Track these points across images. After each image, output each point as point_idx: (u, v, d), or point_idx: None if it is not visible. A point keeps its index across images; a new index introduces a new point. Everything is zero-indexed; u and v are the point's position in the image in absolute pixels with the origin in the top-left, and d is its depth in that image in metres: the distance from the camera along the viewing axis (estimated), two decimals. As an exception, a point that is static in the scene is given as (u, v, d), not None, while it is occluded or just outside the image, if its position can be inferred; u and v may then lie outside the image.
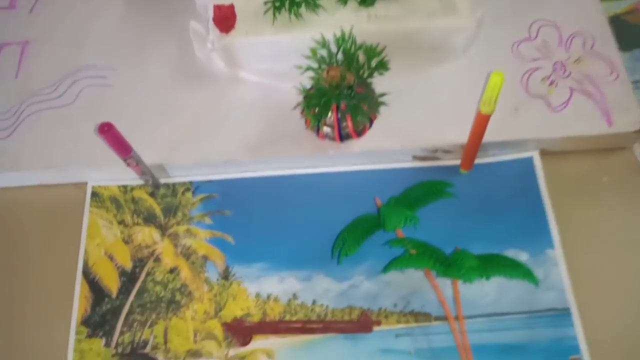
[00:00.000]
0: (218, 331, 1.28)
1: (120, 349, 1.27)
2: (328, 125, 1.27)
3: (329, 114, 1.19)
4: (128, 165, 1.21)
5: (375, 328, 1.28)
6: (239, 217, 1.35)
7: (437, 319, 1.28)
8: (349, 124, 1.25)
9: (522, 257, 1.28)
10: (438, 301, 1.27)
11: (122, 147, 1.13)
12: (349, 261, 1.31)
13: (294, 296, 1.30)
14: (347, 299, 1.28)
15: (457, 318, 1.23)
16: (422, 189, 1.35)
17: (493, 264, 1.26)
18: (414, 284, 1.30)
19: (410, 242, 1.28)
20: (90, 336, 1.27)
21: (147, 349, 1.27)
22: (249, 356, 1.26)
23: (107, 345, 1.26)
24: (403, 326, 1.28)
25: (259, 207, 1.36)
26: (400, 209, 1.31)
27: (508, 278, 1.26)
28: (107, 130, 1.06)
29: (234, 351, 1.27)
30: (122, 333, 1.28)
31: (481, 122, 1.13)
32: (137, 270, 1.32)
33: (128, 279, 1.31)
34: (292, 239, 1.32)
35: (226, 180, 1.38)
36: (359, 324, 1.23)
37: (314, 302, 1.30)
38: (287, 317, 1.29)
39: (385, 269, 1.29)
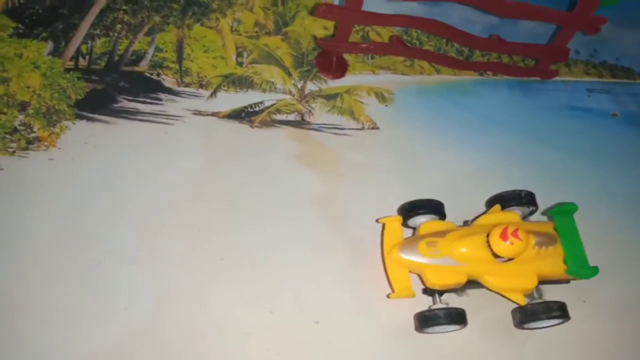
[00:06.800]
0: (284, 53, 0.68)
1: (86, 61, 0.62)
2: None
3: None
4: None
5: (556, 78, 0.75)
6: None
7: (645, 75, 0.78)
8: None
9: None
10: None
11: None
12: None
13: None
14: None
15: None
16: None
17: None
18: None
19: None
20: (21, 35, 0.62)
21: (142, 65, 0.63)
22: (344, 94, 0.66)
23: (58, 53, 0.61)
24: (596, 79, 0.76)
25: None
26: None
27: None
28: None
29: (315, 85, 0.66)
30: (90, 37, 0.63)
31: None
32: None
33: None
34: None
35: None
36: (545, 59, 0.70)
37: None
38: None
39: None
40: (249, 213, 0.56)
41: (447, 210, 0.56)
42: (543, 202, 0.63)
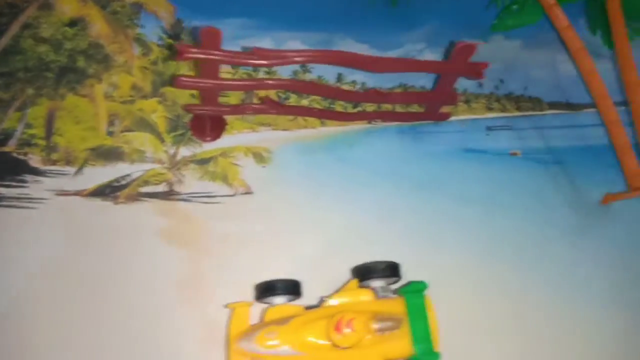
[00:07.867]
0: (159, 117, 0.66)
1: (-49, 145, 0.62)
2: None
3: None
4: None
5: (452, 118, 0.72)
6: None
7: (555, 105, 0.74)
8: None
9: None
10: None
11: None
12: (400, 20, 0.74)
13: (303, 70, 0.72)
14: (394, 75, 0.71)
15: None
16: None
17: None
18: (510, 54, 0.76)
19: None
20: None
21: (10, 144, 0.63)
22: (219, 157, 0.65)
23: None
24: (499, 115, 0.73)
25: None
26: None
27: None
28: None
29: (188, 150, 0.65)
30: (-41, 118, 0.63)
31: None
32: (3, 20, 0.69)
33: (-17, 33, 0.68)
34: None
35: None
36: (432, 105, 0.66)
37: (339, 79, 0.72)
38: (293, 102, 0.70)
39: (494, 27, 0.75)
40: (109, 301, 0.55)
41: (312, 282, 0.55)
42: (426, 261, 0.60)
